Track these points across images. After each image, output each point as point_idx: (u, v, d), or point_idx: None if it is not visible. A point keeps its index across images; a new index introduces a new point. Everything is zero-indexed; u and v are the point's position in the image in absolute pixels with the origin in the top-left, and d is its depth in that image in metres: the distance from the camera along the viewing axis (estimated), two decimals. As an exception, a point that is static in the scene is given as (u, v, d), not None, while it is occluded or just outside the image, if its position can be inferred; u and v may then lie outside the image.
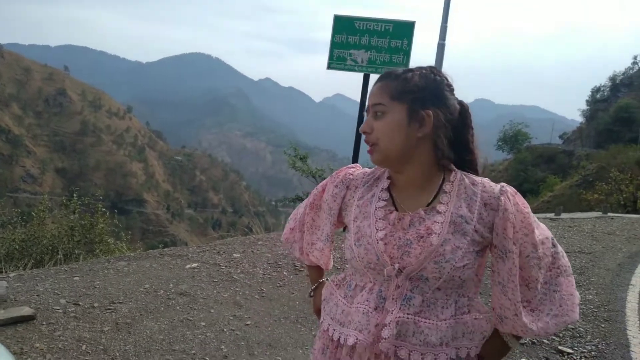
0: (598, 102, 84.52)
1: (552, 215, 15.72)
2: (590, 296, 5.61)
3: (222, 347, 3.52)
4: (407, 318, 1.16)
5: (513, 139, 63.24)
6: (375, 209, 1.25)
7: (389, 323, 1.16)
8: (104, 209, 9.01)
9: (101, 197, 10.83)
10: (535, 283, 1.20)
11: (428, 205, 1.21)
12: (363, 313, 1.20)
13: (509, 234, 1.16)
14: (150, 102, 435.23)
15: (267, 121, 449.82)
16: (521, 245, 1.18)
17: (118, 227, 10.20)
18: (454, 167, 1.25)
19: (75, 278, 4.71)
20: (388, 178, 1.30)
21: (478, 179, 1.24)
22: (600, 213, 16.75)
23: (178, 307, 4.17)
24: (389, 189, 1.28)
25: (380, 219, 1.23)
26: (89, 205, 9.29)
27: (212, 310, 4.18)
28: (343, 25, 6.34)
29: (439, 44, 7.61)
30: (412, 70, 1.23)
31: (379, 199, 1.27)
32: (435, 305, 1.18)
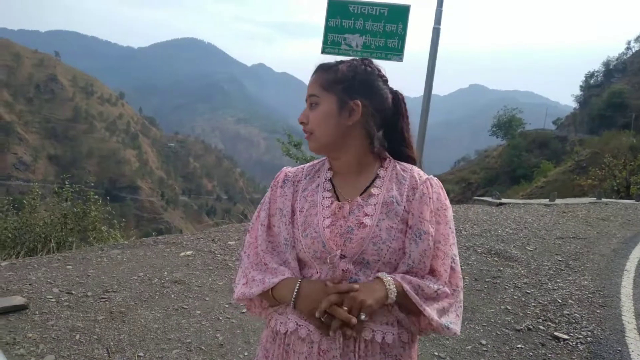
0: (592, 87, 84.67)
1: (546, 201, 15.78)
2: (586, 282, 5.62)
3: (218, 335, 3.49)
4: None
5: (507, 125, 63.29)
6: (322, 199, 1.30)
7: None
8: (96, 196, 8.93)
9: (92, 184, 10.73)
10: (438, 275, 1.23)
11: (365, 190, 1.28)
12: None
13: (426, 216, 1.23)
14: (143, 88, 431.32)
15: (260, 107, 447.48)
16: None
17: (111, 214, 10.12)
18: (388, 155, 1.34)
19: (69, 267, 4.66)
20: (329, 169, 1.35)
21: (409, 166, 1.33)
22: (595, 199, 16.83)
23: (173, 296, 4.13)
24: (331, 180, 1.33)
25: (326, 207, 1.28)
26: (81, 193, 9.19)
27: (207, 299, 4.15)
28: (337, 9, 6.22)
29: (434, 29, 7.49)
30: (343, 62, 1.30)
31: (324, 189, 1.32)
32: None
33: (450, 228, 1.27)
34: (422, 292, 1.18)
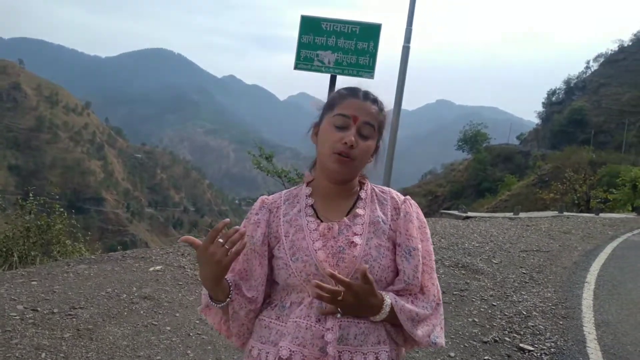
0: (553, 104, 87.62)
1: (510, 214, 16.16)
2: (549, 294, 5.80)
3: (189, 352, 3.46)
4: (349, 320, 1.21)
5: (473, 139, 64.73)
6: (308, 222, 1.30)
7: (332, 327, 1.19)
8: (61, 209, 8.70)
9: (57, 196, 10.45)
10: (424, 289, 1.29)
11: (349, 212, 1.32)
12: (306, 328, 1.20)
13: (413, 233, 1.30)
14: (110, 98, 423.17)
15: (230, 118, 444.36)
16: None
17: (76, 227, 9.86)
18: (366, 178, 1.42)
19: (33, 282, 4.54)
20: (309, 196, 1.36)
21: (386, 188, 1.41)
22: (557, 212, 17.35)
23: (142, 312, 4.07)
24: (312, 205, 1.35)
25: (313, 230, 1.28)
26: (45, 205, 8.93)
27: (178, 315, 4.11)
28: (310, 26, 6.32)
29: (403, 47, 7.68)
30: (383, 107, 1.35)
31: (306, 214, 1.32)
32: None
33: (431, 244, 1.34)
34: (417, 319, 1.24)
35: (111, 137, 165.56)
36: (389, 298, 1.21)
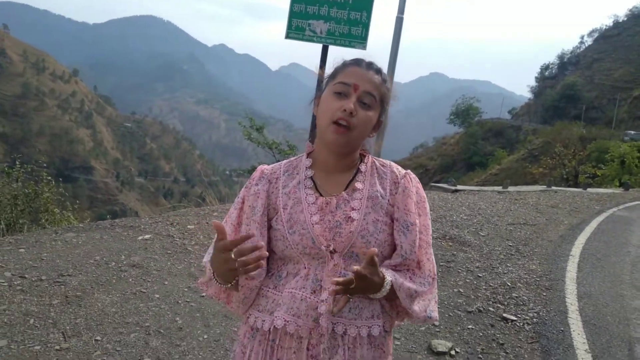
0: (546, 79, 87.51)
1: (499, 188, 16.28)
2: (534, 266, 5.90)
3: (177, 319, 3.50)
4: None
5: (465, 113, 64.77)
6: (306, 195, 1.30)
7: (326, 299, 1.21)
8: (49, 177, 8.64)
9: (45, 164, 10.38)
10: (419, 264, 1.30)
11: (348, 185, 1.32)
12: (301, 299, 1.22)
13: (411, 208, 1.30)
14: (98, 65, 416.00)
15: (221, 88, 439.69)
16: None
17: (64, 195, 9.80)
18: (368, 151, 1.41)
19: (21, 250, 4.53)
20: (309, 167, 1.36)
21: (387, 162, 1.40)
22: (545, 187, 17.51)
23: (131, 280, 4.09)
24: (311, 177, 1.34)
25: (311, 204, 1.29)
26: (33, 173, 8.87)
27: (166, 282, 4.13)
28: (302, -6, 6.20)
29: (397, 17, 7.57)
30: (387, 78, 1.34)
31: (306, 186, 1.32)
32: None
33: (429, 219, 1.35)
34: (415, 295, 1.25)
35: (100, 106, 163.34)
36: (389, 276, 1.22)
